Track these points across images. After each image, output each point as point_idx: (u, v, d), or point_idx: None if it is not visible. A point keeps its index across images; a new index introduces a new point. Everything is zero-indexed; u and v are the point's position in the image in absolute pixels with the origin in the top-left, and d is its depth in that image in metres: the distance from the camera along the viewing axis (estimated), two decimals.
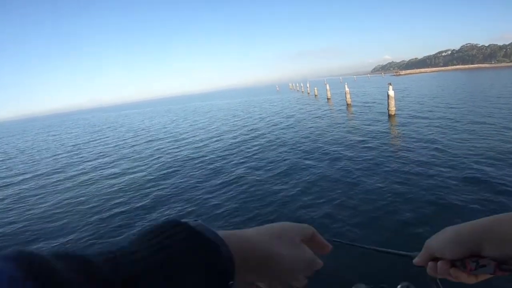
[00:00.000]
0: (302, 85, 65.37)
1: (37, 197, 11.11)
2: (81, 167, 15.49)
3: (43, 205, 9.99)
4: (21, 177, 15.10)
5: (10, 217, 9.23)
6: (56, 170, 15.47)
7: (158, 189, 9.91)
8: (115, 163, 15.28)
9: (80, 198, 10.20)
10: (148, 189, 10.05)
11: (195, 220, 0.37)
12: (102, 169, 14.32)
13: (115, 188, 10.78)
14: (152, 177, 11.54)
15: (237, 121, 26.49)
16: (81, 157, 18.50)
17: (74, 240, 7.09)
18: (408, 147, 11.11)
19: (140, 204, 8.80)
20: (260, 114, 29.51)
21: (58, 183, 12.82)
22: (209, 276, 0.32)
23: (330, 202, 7.15)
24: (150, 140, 21.50)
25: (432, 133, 12.79)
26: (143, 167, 13.46)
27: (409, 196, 6.99)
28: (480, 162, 8.64)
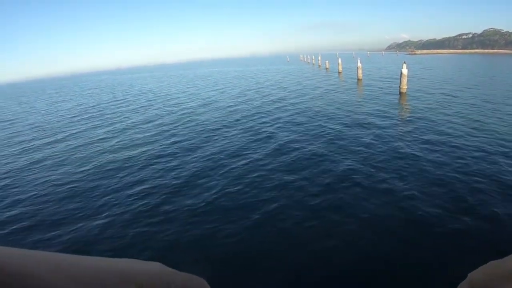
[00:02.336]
0: (313, 57, 63.69)
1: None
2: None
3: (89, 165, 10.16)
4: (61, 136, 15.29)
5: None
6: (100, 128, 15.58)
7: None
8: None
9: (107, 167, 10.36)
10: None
11: None
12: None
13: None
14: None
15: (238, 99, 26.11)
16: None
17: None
18: (415, 126, 10.92)
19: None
20: (269, 84, 29.05)
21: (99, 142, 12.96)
22: None
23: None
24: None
25: (442, 115, 12.53)
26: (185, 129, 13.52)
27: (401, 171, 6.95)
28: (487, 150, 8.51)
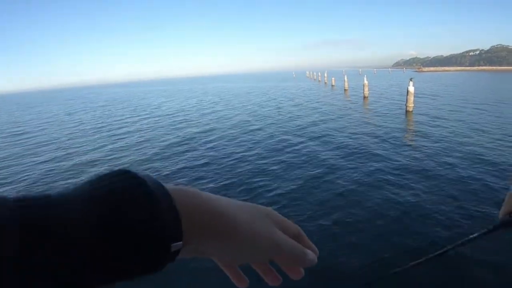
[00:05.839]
0: (319, 74, 64.07)
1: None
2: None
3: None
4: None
5: None
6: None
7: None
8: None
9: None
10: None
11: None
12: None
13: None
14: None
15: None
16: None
17: None
18: (421, 145, 10.66)
19: None
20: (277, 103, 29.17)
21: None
22: (143, 231, 0.26)
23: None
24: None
25: (449, 135, 12.26)
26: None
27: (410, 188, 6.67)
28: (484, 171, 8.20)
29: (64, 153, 13.10)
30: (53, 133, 19.13)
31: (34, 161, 12.04)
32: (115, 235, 0.25)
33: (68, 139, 16.31)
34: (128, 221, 0.26)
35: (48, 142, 15.87)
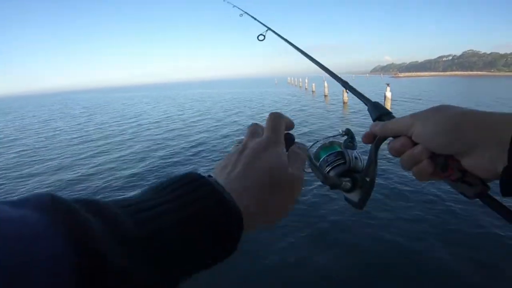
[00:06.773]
0: (300, 80, 64.61)
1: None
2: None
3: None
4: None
5: None
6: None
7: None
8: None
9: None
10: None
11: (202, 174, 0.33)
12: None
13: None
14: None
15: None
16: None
17: None
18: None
19: None
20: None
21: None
22: (221, 236, 0.29)
23: None
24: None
25: None
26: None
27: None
28: None
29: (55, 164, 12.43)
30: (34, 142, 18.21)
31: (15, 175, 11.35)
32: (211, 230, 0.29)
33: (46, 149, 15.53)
34: (215, 218, 0.29)
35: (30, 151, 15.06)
